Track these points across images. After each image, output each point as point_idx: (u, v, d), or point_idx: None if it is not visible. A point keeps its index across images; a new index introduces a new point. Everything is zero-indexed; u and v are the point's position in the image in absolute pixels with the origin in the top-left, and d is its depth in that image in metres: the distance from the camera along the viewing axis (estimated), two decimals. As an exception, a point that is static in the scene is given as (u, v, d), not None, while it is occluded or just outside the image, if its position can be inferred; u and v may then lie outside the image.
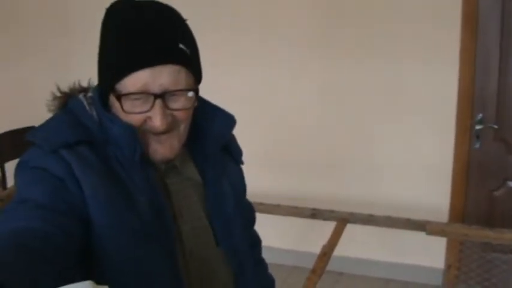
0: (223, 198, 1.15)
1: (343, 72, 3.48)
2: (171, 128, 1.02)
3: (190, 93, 1.02)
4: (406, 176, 3.46)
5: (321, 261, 2.60)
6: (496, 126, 3.24)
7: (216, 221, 1.13)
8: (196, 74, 1.05)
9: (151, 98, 0.98)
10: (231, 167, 1.23)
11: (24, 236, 0.82)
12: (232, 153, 1.24)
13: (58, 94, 1.09)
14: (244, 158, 1.28)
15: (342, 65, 3.47)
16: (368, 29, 3.37)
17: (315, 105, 3.58)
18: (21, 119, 3.44)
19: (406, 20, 3.29)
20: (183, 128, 1.05)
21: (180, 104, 1.02)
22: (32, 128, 1.05)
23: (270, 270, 1.42)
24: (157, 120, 1.00)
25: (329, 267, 2.65)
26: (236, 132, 1.24)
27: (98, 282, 0.64)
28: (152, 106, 0.99)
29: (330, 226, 2.95)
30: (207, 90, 1.16)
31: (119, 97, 0.99)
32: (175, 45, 1.00)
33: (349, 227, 3.02)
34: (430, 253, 3.46)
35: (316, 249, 2.73)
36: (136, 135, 1.01)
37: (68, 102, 1.08)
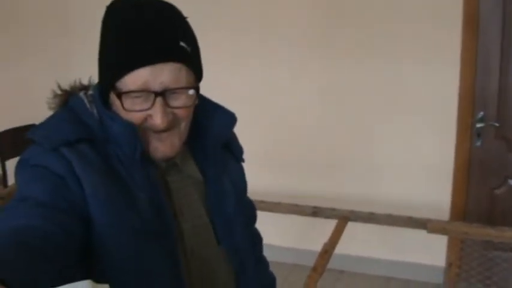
0: (224, 196, 1.15)
1: (343, 71, 3.48)
2: (171, 126, 1.02)
3: (191, 91, 1.02)
4: (407, 174, 3.46)
5: (322, 259, 2.60)
6: (497, 124, 3.24)
7: (216, 219, 1.13)
8: (197, 72, 1.05)
9: (152, 96, 0.98)
10: (232, 164, 1.23)
11: (24, 234, 0.82)
12: (233, 151, 1.23)
13: (59, 92, 1.09)
14: (245, 156, 1.28)
15: (342, 64, 3.47)
16: (368, 29, 3.37)
17: (316, 104, 3.58)
18: (21, 118, 3.44)
19: (406, 20, 3.29)
20: (183, 126, 1.05)
21: (181, 102, 1.01)
22: (32, 126, 1.05)
23: (271, 268, 1.42)
24: (157, 118, 0.99)
25: (330, 265, 2.65)
26: (237, 130, 1.24)
27: (97, 281, 0.64)
28: (153, 104, 0.99)
29: (330, 224, 2.95)
30: (208, 90, 1.16)
31: (120, 95, 0.99)
32: (176, 43, 1.00)
33: (350, 225, 3.02)
34: (431, 251, 3.46)
35: (317, 247, 2.73)
36: (137, 133, 1.01)
37: (68, 100, 1.08)
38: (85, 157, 0.98)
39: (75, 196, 0.94)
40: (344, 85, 3.49)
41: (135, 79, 0.97)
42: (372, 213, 3.06)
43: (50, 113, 1.08)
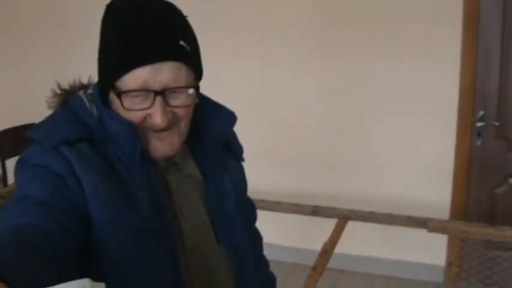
0: (223, 196, 1.15)
1: (343, 70, 3.48)
2: (171, 125, 1.02)
3: (191, 90, 1.02)
4: (407, 174, 3.46)
5: (322, 259, 2.60)
6: (497, 124, 3.24)
7: (216, 218, 1.13)
8: (196, 70, 1.05)
9: (152, 95, 0.98)
10: (232, 164, 1.22)
11: (24, 233, 0.82)
12: (233, 150, 1.23)
13: (58, 91, 1.09)
14: (245, 155, 1.28)
15: (342, 64, 3.47)
16: (368, 28, 3.37)
17: (316, 103, 3.58)
18: (21, 117, 3.44)
19: (406, 19, 3.28)
20: (183, 125, 1.05)
21: (181, 101, 1.01)
22: (32, 125, 1.05)
23: (271, 268, 1.42)
24: (157, 117, 0.99)
25: (330, 265, 2.65)
26: (237, 129, 1.24)
27: (96, 280, 0.64)
28: (152, 103, 0.99)
29: (331, 223, 2.95)
30: (207, 90, 1.16)
31: (119, 94, 0.98)
32: (176, 42, 0.99)
33: (350, 224, 3.01)
34: (431, 250, 3.46)
35: (317, 247, 2.73)
36: (137, 132, 1.01)
37: (68, 99, 1.08)
38: (85, 156, 0.98)
39: (75, 195, 0.94)
40: (344, 84, 3.49)
41: (134, 78, 0.97)
42: (372, 213, 3.06)
43: (49, 112, 1.08)
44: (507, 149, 3.27)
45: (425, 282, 3.49)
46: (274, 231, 3.25)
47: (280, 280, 1.47)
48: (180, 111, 1.02)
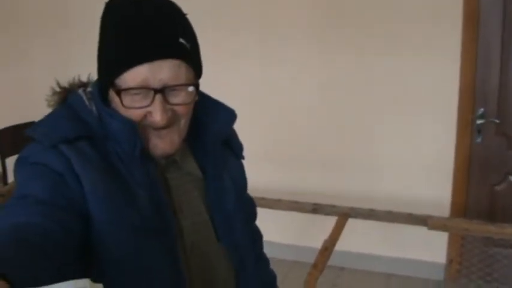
0: (223, 193, 1.15)
1: (343, 68, 3.48)
2: (171, 123, 1.02)
3: (191, 88, 1.01)
4: (407, 171, 3.46)
5: (322, 256, 2.59)
6: (497, 121, 3.24)
7: (216, 216, 1.13)
8: (196, 68, 1.04)
9: (151, 92, 0.98)
10: (232, 161, 1.22)
11: (24, 231, 0.82)
12: (233, 147, 1.23)
13: (57, 89, 1.09)
14: (245, 152, 1.28)
15: (342, 61, 3.47)
16: (368, 25, 3.37)
17: (316, 102, 3.58)
18: (21, 115, 3.44)
19: (406, 16, 3.28)
20: (183, 123, 1.05)
21: (181, 98, 1.01)
22: (32, 123, 1.05)
23: (271, 265, 1.42)
24: (157, 115, 0.99)
25: (330, 262, 2.65)
26: (237, 127, 1.23)
27: (95, 280, 0.64)
28: (152, 101, 0.98)
29: (331, 221, 2.95)
30: (208, 89, 1.15)
31: (119, 92, 0.98)
32: (176, 39, 0.99)
33: (351, 222, 3.01)
34: (432, 248, 3.46)
35: (318, 244, 2.73)
36: (136, 130, 1.01)
37: (67, 97, 1.08)
38: (84, 154, 0.98)
39: (75, 193, 0.94)
40: (344, 82, 3.49)
41: (134, 76, 0.97)
42: (372, 210, 3.06)
43: (49, 110, 1.08)
44: (507, 146, 3.27)
45: (425, 280, 3.49)
46: (275, 229, 3.26)
47: (280, 278, 1.47)
48: (179, 109, 1.02)
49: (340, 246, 2.86)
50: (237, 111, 1.19)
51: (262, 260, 1.39)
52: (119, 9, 1.01)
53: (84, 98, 1.06)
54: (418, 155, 3.42)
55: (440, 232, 3.04)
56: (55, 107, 1.08)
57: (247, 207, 1.32)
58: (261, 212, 1.45)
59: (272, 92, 3.64)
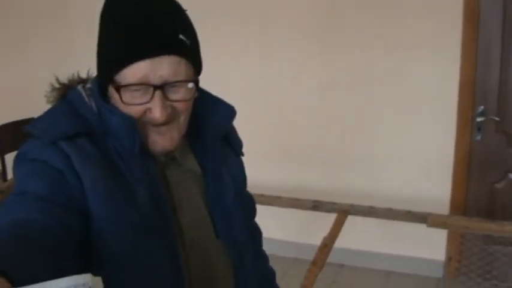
0: (223, 190, 1.14)
1: (343, 66, 3.47)
2: (171, 119, 1.02)
3: (190, 85, 1.01)
4: (407, 168, 3.46)
5: (322, 253, 2.60)
6: (497, 119, 3.23)
7: (215, 212, 1.13)
8: (196, 65, 1.04)
9: (151, 89, 0.98)
10: (231, 158, 1.22)
11: (23, 228, 0.82)
12: (232, 144, 1.23)
13: (57, 85, 1.09)
14: (245, 150, 1.27)
15: (342, 58, 3.47)
16: (368, 23, 3.36)
17: (316, 98, 3.57)
18: (21, 112, 3.43)
19: (407, 15, 3.27)
20: (183, 120, 1.05)
21: (180, 95, 1.01)
22: (31, 119, 1.05)
23: (271, 262, 1.42)
24: (157, 112, 0.99)
25: (330, 259, 2.65)
26: (237, 124, 1.23)
27: (94, 275, 0.64)
28: (152, 97, 0.98)
29: (330, 218, 2.95)
30: (208, 88, 1.15)
31: (118, 88, 0.98)
32: (175, 36, 0.99)
33: (350, 219, 3.02)
34: (431, 245, 3.47)
35: (317, 241, 2.73)
36: (136, 126, 1.00)
37: (66, 93, 1.07)
38: (84, 151, 0.97)
39: (74, 190, 0.94)
40: (343, 80, 3.49)
41: (134, 72, 0.97)
42: (371, 207, 3.06)
43: (48, 106, 1.07)
44: (507, 144, 3.27)
45: (425, 277, 3.49)
46: (274, 226, 3.26)
47: (279, 275, 1.48)
48: (179, 106, 1.02)
49: (340, 243, 2.86)
50: (237, 106, 1.19)
51: (261, 257, 1.39)
52: (118, 5, 1.01)
53: (84, 94, 1.06)
54: (418, 152, 3.42)
55: (440, 230, 3.04)
56: (54, 103, 1.08)
57: (247, 204, 1.32)
58: (260, 208, 1.45)
59: (272, 92, 3.64)
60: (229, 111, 1.17)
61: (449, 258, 3.39)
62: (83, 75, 1.11)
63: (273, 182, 3.61)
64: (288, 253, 3.64)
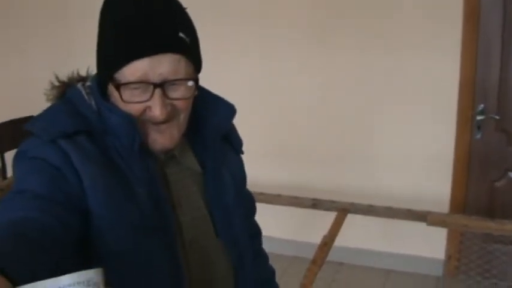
0: (222, 188, 1.14)
1: (343, 64, 3.47)
2: (170, 117, 1.01)
3: (190, 83, 1.01)
4: (407, 167, 3.46)
5: (322, 252, 2.59)
6: (497, 117, 3.23)
7: (215, 211, 1.13)
8: (196, 63, 1.04)
9: (151, 87, 0.97)
10: (231, 156, 1.22)
11: (22, 226, 0.82)
12: (232, 142, 1.23)
13: (56, 83, 1.08)
14: (245, 148, 1.27)
15: (342, 56, 3.46)
16: (369, 21, 3.36)
17: (316, 97, 3.57)
18: (20, 110, 3.43)
19: (407, 15, 3.27)
20: (182, 118, 1.04)
21: (180, 93, 1.01)
22: (31, 118, 1.04)
23: (270, 261, 1.42)
24: (156, 110, 0.99)
25: (329, 258, 2.65)
26: (237, 125, 1.23)
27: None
28: (151, 95, 0.98)
29: (330, 216, 2.95)
30: (207, 87, 1.15)
31: (118, 86, 0.98)
32: (175, 34, 0.99)
33: (350, 218, 3.01)
34: (431, 244, 3.47)
35: (317, 240, 2.73)
36: (135, 124, 1.00)
37: (66, 91, 1.07)
38: (83, 149, 0.97)
39: (73, 188, 0.94)
40: (343, 78, 3.49)
41: (133, 70, 0.96)
42: (371, 206, 3.06)
43: (48, 104, 1.07)
44: (507, 142, 3.27)
45: (424, 276, 3.49)
46: (274, 224, 3.26)
47: (279, 273, 1.48)
48: (179, 104, 1.02)
49: (340, 241, 2.86)
50: (237, 105, 1.19)
51: (261, 256, 1.39)
52: (118, 3, 1.00)
53: (83, 92, 1.06)
54: (418, 151, 3.42)
55: (440, 228, 3.03)
56: (54, 101, 1.08)
57: (247, 202, 1.32)
58: (260, 207, 1.45)
59: (272, 92, 3.64)
60: (230, 110, 1.17)
61: (449, 257, 3.39)
62: (83, 73, 1.11)
63: (272, 180, 3.61)
64: (287, 251, 3.64)
